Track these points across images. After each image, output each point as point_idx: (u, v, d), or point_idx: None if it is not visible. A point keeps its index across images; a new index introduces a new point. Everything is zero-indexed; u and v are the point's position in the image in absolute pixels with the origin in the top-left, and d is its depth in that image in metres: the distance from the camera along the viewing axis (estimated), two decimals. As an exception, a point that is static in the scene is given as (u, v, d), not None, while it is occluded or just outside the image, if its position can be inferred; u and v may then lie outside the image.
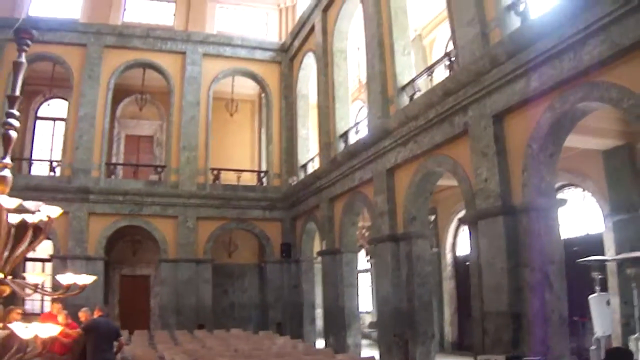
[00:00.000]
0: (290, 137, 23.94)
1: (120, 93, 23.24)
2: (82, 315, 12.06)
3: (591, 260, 12.62)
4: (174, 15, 25.20)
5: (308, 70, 23.49)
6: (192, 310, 20.85)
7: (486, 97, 10.95)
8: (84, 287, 10.69)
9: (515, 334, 9.89)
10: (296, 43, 23.80)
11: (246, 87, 25.85)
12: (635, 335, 11.59)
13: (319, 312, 22.14)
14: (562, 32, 8.87)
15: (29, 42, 5.68)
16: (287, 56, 24.90)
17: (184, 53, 23.48)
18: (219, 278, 22.50)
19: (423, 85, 14.95)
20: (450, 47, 20.29)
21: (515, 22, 10.53)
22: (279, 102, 24.66)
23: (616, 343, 12.46)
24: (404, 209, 14.43)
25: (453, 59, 12.74)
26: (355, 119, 22.70)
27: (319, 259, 20.82)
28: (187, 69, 23.30)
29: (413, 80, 14.66)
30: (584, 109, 9.46)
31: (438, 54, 21.33)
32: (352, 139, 18.34)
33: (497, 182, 10.61)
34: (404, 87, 14.84)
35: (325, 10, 20.43)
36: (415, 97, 14.14)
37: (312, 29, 21.59)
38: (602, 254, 13.21)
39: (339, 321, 17.79)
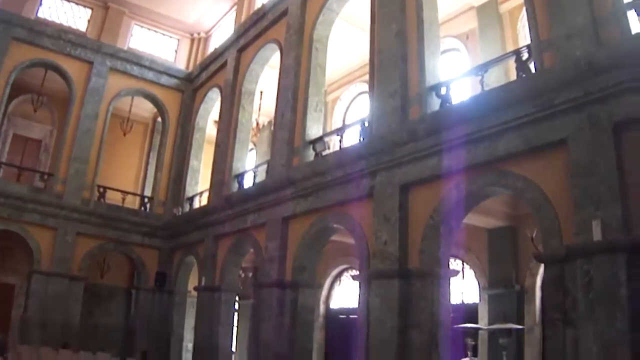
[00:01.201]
0: (181, 167, 23.83)
1: (15, 89, 22.01)
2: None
3: (467, 327, 13.55)
4: (88, 21, 24.74)
5: (210, 104, 23.74)
6: (58, 327, 19.87)
7: (397, 167, 11.73)
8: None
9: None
10: (203, 76, 23.98)
11: (142, 109, 25.65)
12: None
13: (186, 346, 21.98)
14: (482, 123, 9.84)
15: None
16: (191, 86, 24.96)
17: (91, 63, 22.93)
18: (86, 297, 21.53)
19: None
20: (353, 109, 21.59)
21: (435, 103, 11.44)
22: (175, 130, 24.57)
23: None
24: (294, 257, 14.80)
25: (367, 124, 13.42)
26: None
27: (193, 292, 20.75)
28: (91, 79, 22.75)
29: (322, 137, 15.29)
30: (488, 192, 10.43)
31: (339, 112, 22.29)
32: (247, 181, 18.69)
33: (396, 246, 11.31)
34: (311, 142, 15.40)
35: (241, 50, 20.83)
36: (325, 153, 14.77)
37: (224, 65, 21.86)
38: (476, 322, 14.23)
39: (210, 358, 17.73)
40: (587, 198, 8.09)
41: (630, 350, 7.21)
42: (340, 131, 15.36)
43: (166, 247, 23.06)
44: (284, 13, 18.19)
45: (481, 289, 14.93)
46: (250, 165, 20.73)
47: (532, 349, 13.28)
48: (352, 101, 22.65)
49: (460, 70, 16.49)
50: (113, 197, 23.12)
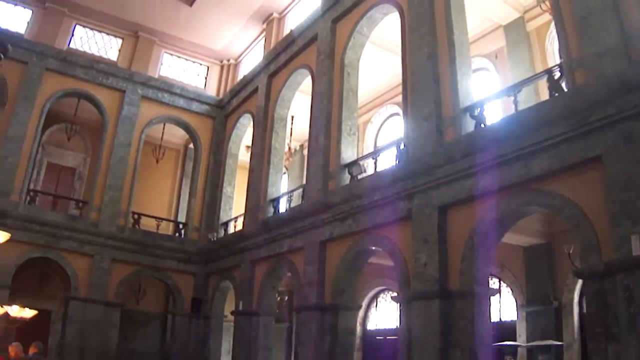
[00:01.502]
0: (215, 193, 24.10)
1: (49, 118, 22.56)
2: (12, 350, 11.58)
3: (506, 344, 13.65)
4: (119, 51, 25.29)
5: (242, 130, 24.14)
6: (95, 353, 20.12)
7: (434, 189, 11.88)
8: (25, 321, 10.60)
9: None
10: (234, 102, 24.35)
11: (174, 136, 26.19)
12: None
13: (224, 370, 22.21)
14: (516, 143, 10.03)
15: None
16: (222, 112, 25.34)
17: (123, 91, 23.45)
18: (122, 323, 21.72)
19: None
20: (384, 131, 21.83)
21: (469, 124, 11.64)
22: (208, 156, 24.91)
23: None
24: (333, 280, 14.90)
25: (402, 146, 13.63)
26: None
27: (229, 317, 20.95)
28: (124, 108, 23.24)
29: (357, 161, 15.53)
30: (525, 211, 10.58)
31: (371, 135, 22.56)
32: (282, 205, 18.97)
33: (436, 267, 11.41)
34: (347, 165, 15.60)
35: (272, 76, 21.19)
36: (361, 177, 14.99)
37: (255, 91, 22.23)
38: (514, 339, 14.31)
39: (248, 382, 17.85)
40: (625, 213, 8.20)
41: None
42: (375, 154, 15.60)
43: (201, 272, 23.27)
44: (314, 38, 18.55)
45: (518, 306, 15.05)
46: (283, 189, 20.96)
47: (572, 365, 13.33)
48: (383, 123, 22.91)
49: (490, 89, 16.73)
50: (147, 224, 23.41)
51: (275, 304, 20.61)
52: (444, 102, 12.31)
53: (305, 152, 27.26)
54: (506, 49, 16.55)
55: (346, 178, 15.49)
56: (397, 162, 13.67)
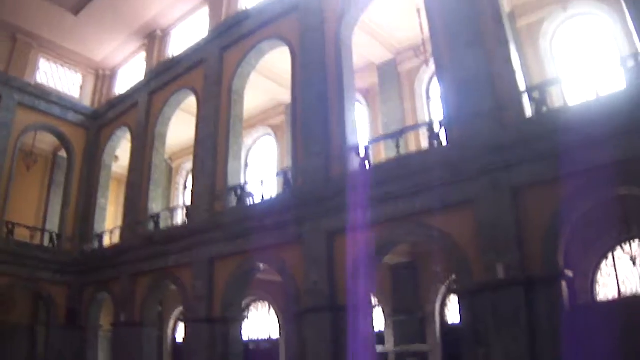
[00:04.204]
0: (88, 203, 23.98)
1: None
2: None
3: (382, 350, 15.61)
4: (-5, 54, 24.09)
5: (116, 142, 24.33)
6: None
7: (323, 217, 13.45)
8: None
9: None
10: (111, 114, 24.40)
11: (42, 142, 25.39)
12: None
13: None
14: (399, 183, 11.95)
15: None
16: (96, 124, 25.21)
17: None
18: None
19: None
20: (255, 150, 23.08)
21: (356, 162, 13.39)
22: (81, 167, 24.72)
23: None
24: (223, 295, 15.93)
25: (290, 175, 15.13)
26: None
27: (105, 328, 21.28)
28: (-1, 113, 23.25)
29: (244, 185, 16.78)
30: (406, 239, 12.52)
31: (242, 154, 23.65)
32: (164, 221, 19.77)
33: (326, 285, 13.02)
34: (233, 188, 16.72)
35: (153, 93, 21.70)
36: (247, 199, 16.28)
37: (134, 106, 22.56)
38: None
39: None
40: (491, 245, 10.32)
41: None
42: (261, 180, 16.66)
43: (76, 283, 22.89)
44: (200, 62, 19.44)
45: (386, 315, 17.04)
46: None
47: (435, 366, 15.55)
48: (254, 143, 24.08)
49: (361, 121, 18.63)
50: (20, 234, 22.71)
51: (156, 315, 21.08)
52: (332, 140, 13.90)
53: (174, 165, 28.03)
54: (378, 86, 18.40)
55: (233, 200, 16.58)
56: (285, 189, 15.14)
